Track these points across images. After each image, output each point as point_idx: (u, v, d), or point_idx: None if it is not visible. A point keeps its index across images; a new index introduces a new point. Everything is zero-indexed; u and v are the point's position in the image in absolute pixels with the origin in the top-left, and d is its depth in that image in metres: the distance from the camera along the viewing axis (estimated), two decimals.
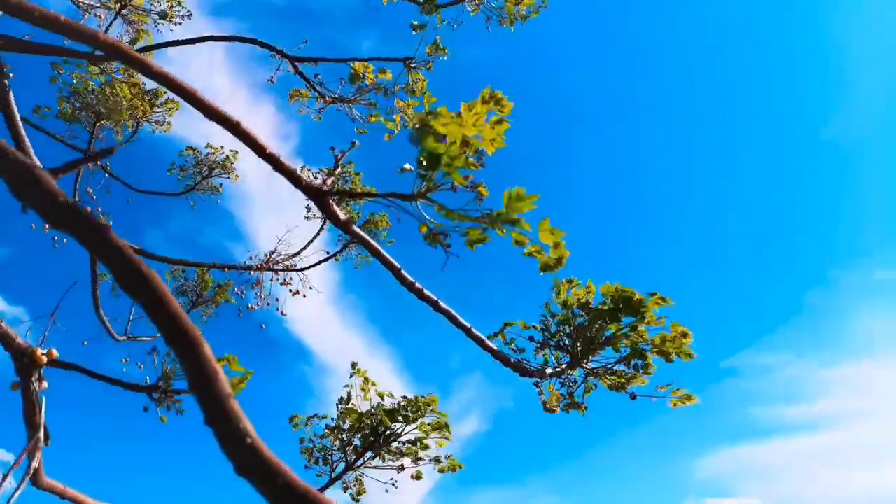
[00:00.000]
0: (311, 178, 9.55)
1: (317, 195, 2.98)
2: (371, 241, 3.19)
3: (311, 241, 7.71)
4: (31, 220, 7.83)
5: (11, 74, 5.19)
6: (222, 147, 11.33)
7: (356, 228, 3.11)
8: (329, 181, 3.02)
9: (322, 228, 8.24)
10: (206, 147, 11.16)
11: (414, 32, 6.13)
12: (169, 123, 10.68)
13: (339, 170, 3.03)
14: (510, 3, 5.68)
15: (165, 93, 9.90)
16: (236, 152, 11.31)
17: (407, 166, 2.86)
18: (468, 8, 5.85)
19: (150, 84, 9.91)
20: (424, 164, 2.85)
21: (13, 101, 5.11)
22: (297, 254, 7.73)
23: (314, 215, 8.64)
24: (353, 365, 5.34)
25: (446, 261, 2.93)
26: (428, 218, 2.95)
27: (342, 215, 3.09)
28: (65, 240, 7.30)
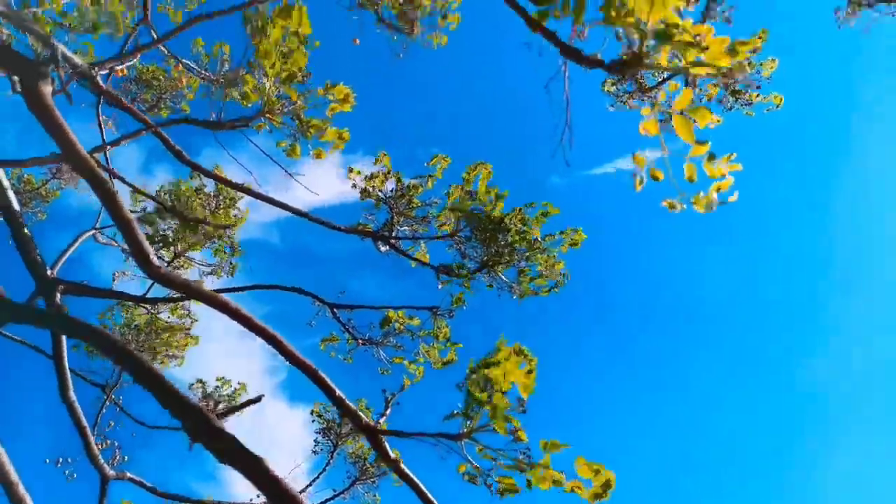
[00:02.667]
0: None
1: (371, 433, 3.28)
2: (416, 480, 3.41)
3: (318, 476, 7.63)
4: (43, 455, 7.80)
5: None
6: (224, 378, 11.61)
7: (403, 467, 3.37)
8: (382, 421, 3.35)
9: (329, 464, 8.20)
10: (216, 380, 11.38)
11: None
12: (182, 358, 11.11)
13: (389, 410, 3.38)
14: (525, 281, 6.62)
15: (188, 329, 10.48)
16: (244, 385, 11.52)
17: (455, 412, 3.21)
18: (484, 280, 6.80)
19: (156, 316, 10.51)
20: (471, 408, 3.19)
21: (64, 344, 5.56)
22: (306, 489, 7.59)
23: (321, 449, 8.66)
24: None
25: (491, 497, 3.14)
26: (469, 459, 3.23)
27: (391, 454, 3.37)
28: (75, 474, 7.22)
